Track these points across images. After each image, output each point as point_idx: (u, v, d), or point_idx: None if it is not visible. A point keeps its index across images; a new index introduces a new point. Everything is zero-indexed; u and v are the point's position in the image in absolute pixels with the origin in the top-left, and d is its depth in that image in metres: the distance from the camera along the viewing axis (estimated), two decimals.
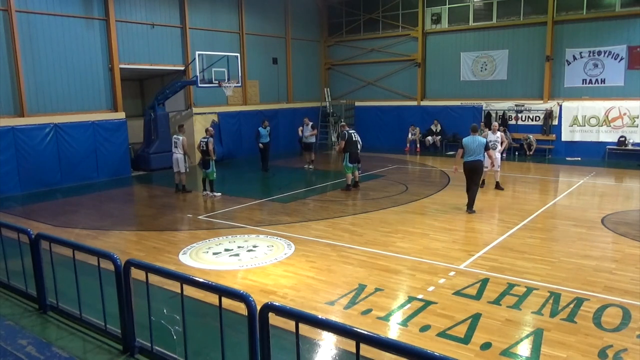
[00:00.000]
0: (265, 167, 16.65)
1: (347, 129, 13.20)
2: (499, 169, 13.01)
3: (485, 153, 10.63)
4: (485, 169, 12.36)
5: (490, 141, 12.13)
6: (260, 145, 16.43)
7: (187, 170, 13.73)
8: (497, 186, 12.80)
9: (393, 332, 5.44)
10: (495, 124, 14.21)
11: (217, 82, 16.69)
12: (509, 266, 7.33)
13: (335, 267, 7.43)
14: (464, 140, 10.52)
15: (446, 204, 11.46)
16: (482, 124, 19.93)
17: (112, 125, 15.93)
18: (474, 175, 10.46)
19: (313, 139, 16.99)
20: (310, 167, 16.86)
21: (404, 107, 22.20)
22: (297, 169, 16.93)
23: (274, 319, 3.32)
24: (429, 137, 21.04)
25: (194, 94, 18.62)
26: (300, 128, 17.17)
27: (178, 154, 13.11)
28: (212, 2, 19.07)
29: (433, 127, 21.15)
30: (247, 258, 7.91)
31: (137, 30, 16.74)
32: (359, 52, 23.43)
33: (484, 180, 12.54)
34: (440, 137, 20.94)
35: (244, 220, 10.36)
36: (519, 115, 19.40)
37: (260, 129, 16.43)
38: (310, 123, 17.11)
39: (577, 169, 16.13)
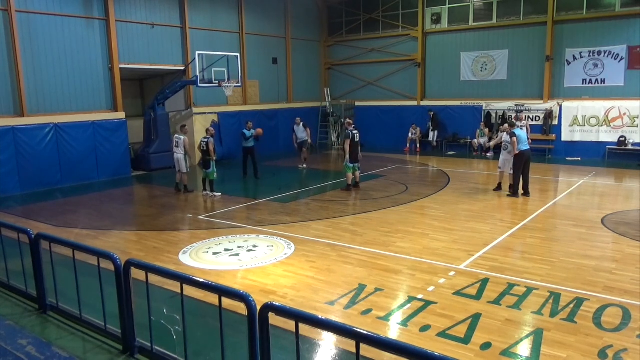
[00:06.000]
0: (246, 172, 15.55)
1: (352, 128, 12.97)
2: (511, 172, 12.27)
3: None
4: (499, 169, 12.58)
5: (504, 142, 12.27)
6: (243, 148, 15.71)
7: (188, 170, 13.76)
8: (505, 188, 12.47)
9: (393, 332, 5.44)
10: (507, 124, 13.69)
11: (217, 82, 16.67)
12: (509, 266, 7.33)
13: (335, 267, 7.43)
14: (516, 131, 11.72)
15: (446, 204, 11.47)
16: (482, 124, 20.01)
17: (112, 125, 15.92)
18: (529, 162, 11.83)
19: (305, 137, 16.77)
20: (304, 165, 16.82)
21: (404, 107, 22.18)
22: (297, 169, 16.93)
23: (274, 319, 3.32)
24: (430, 134, 20.98)
25: (194, 94, 18.60)
26: (294, 134, 17.03)
27: (179, 154, 13.12)
28: (212, 2, 19.07)
29: (427, 124, 21.12)
30: (247, 258, 7.91)
31: (137, 30, 16.73)
32: (359, 52, 23.42)
33: (500, 184, 12.45)
34: (437, 131, 20.87)
35: (244, 220, 10.36)
36: (519, 115, 19.35)
37: (244, 131, 15.56)
38: (302, 122, 17.02)
39: (577, 169, 16.12)
